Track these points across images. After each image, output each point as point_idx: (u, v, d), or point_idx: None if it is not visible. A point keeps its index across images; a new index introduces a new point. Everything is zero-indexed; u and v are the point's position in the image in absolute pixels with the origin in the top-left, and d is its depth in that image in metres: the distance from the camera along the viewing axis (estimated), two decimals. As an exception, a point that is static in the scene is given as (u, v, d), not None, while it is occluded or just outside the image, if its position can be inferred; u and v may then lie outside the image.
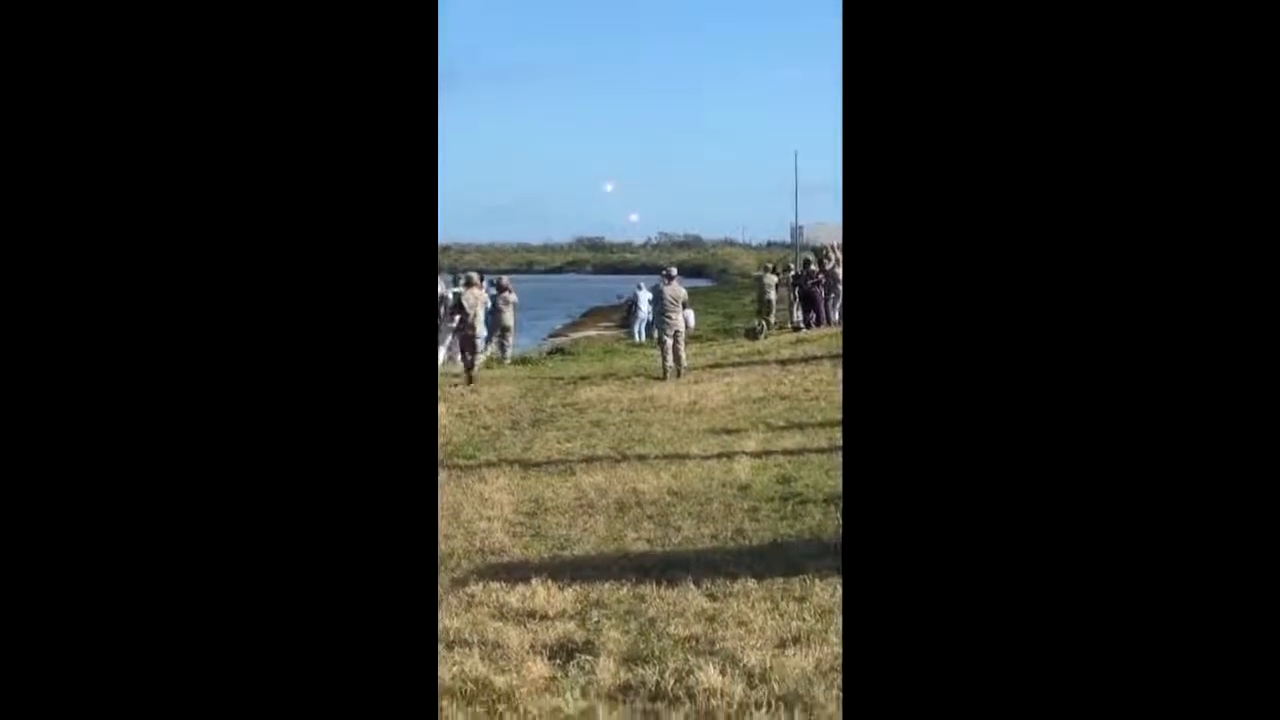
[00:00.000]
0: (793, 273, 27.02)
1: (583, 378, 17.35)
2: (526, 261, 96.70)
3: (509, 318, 19.10)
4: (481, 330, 17.19)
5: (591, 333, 32.56)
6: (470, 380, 16.39)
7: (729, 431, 11.36)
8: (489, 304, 18.11)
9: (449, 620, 5.28)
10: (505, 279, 19.23)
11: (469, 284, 17.57)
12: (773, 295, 25.30)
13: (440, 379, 16.06)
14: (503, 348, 19.25)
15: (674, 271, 18.37)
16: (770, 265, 30.00)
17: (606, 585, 5.86)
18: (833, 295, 25.25)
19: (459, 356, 18.29)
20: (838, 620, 5.06)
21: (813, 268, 26.56)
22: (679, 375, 16.54)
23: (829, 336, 20.52)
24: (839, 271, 25.42)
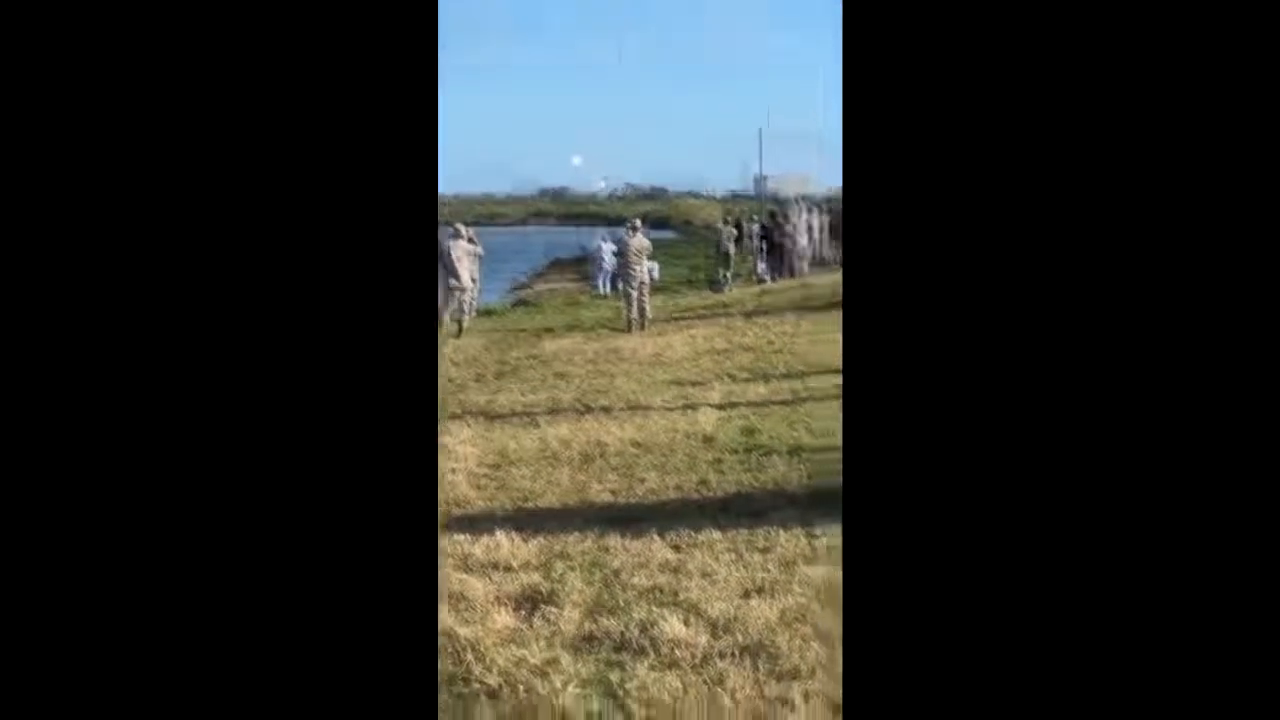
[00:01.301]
0: (757, 224, 27.04)
1: (547, 330, 17.35)
2: (490, 213, 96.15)
3: (474, 269, 19.04)
4: (468, 282, 17.10)
5: (556, 285, 32.48)
6: (460, 332, 16.41)
7: (693, 383, 11.37)
8: (480, 255, 18.04)
9: (413, 572, 5.27)
10: (470, 230, 19.15)
11: (455, 235, 17.43)
12: (731, 247, 25.33)
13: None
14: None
15: (638, 223, 18.36)
16: (728, 218, 29.97)
17: (571, 537, 5.87)
18: (797, 247, 25.34)
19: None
20: (801, 571, 5.10)
21: (779, 219, 26.63)
22: (643, 327, 16.57)
23: (792, 288, 20.57)
24: (799, 223, 25.54)
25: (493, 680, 4.09)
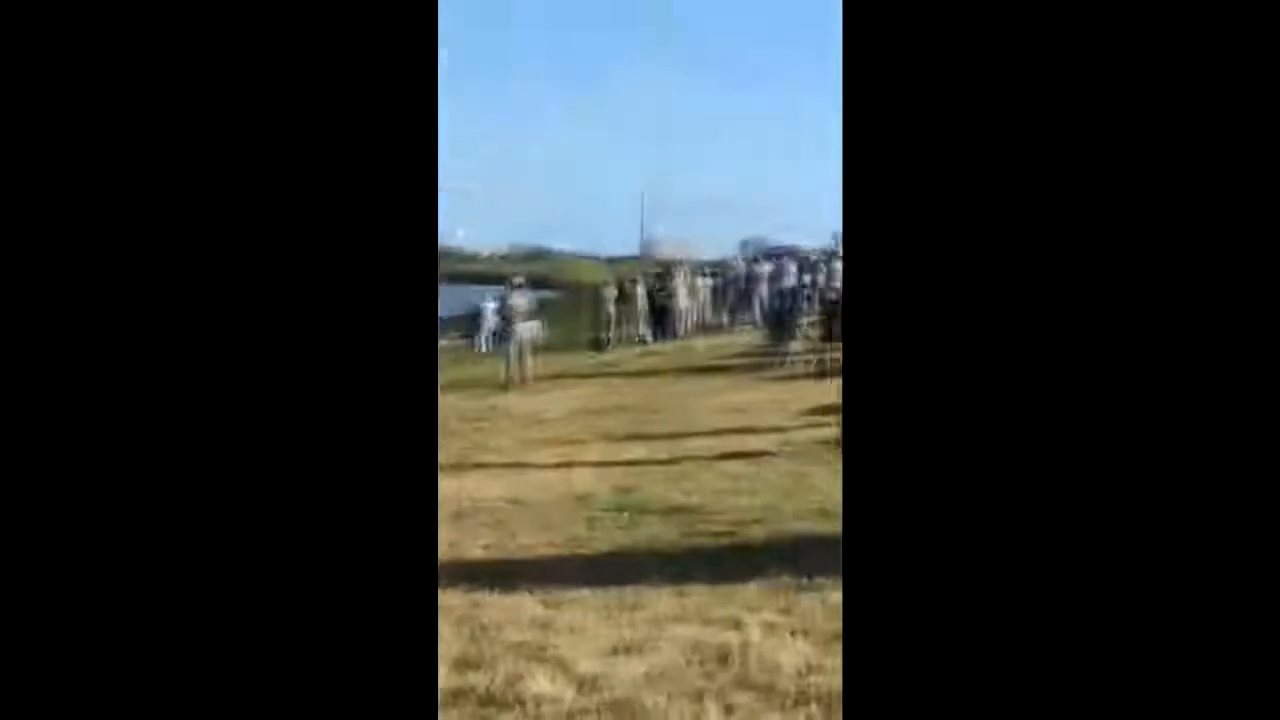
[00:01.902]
0: (640, 286, 27.23)
1: (426, 386, 17.20)
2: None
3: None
4: None
5: (438, 342, 32.29)
6: None
7: (571, 442, 11.38)
8: None
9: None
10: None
11: None
12: (611, 308, 25.49)
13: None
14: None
15: (520, 281, 18.43)
16: (606, 279, 30.14)
17: (442, 592, 5.81)
18: (679, 309, 25.65)
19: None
20: (670, 629, 5.10)
21: (662, 282, 26.92)
22: (523, 385, 16.55)
23: (674, 350, 20.71)
24: (682, 286, 25.90)
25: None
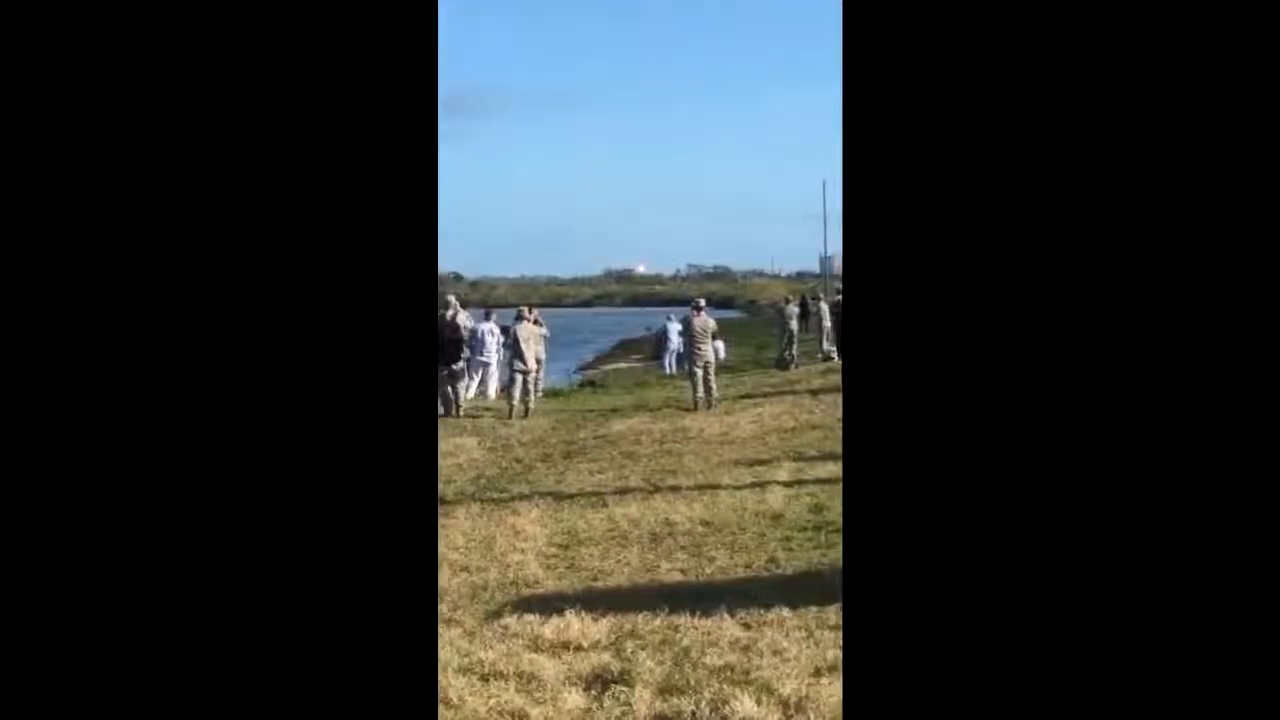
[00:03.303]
0: (823, 301, 27.01)
1: (614, 410, 17.38)
2: (556, 295, 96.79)
3: (540, 351, 19.18)
4: (533, 364, 17.20)
5: (622, 365, 32.60)
6: (526, 414, 16.41)
7: (761, 462, 11.35)
8: (546, 336, 18.24)
9: (484, 652, 5.29)
10: (535, 312, 19.35)
11: (520, 317, 17.60)
12: (794, 325, 25.30)
13: (479, 413, 16.14)
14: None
15: (702, 303, 18.49)
16: (788, 296, 29.93)
17: (641, 616, 5.86)
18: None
19: (489, 389, 18.37)
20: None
21: (844, 296, 26.62)
22: (710, 406, 16.57)
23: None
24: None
25: (564, 760, 4.09)
